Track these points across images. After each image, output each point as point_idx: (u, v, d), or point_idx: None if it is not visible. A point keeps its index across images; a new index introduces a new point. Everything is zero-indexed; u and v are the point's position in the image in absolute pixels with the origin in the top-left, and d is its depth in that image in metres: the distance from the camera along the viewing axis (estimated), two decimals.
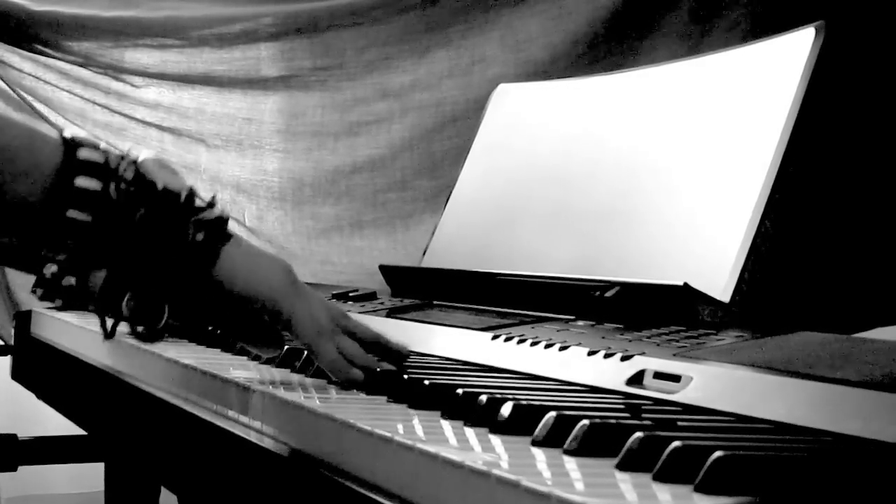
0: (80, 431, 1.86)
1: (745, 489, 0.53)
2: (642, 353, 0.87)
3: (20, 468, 2.02)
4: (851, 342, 0.87)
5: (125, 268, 0.85)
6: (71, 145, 0.83)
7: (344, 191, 2.16)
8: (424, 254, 1.51)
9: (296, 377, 0.97)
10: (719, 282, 1.04)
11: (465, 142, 1.57)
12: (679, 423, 0.69)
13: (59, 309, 1.16)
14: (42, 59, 2.11)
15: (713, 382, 0.78)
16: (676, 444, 0.57)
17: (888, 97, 1.37)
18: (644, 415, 0.72)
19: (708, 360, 0.83)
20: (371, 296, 1.42)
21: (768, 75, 1.13)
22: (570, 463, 0.62)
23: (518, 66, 2.06)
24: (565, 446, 0.64)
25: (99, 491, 2.06)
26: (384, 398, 0.85)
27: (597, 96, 1.37)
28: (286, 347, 1.00)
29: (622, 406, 0.77)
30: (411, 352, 0.97)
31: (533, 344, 0.98)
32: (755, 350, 0.85)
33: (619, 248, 1.20)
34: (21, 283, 2.10)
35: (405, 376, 0.87)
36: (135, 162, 0.85)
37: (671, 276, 1.05)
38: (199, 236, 0.85)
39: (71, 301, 1.16)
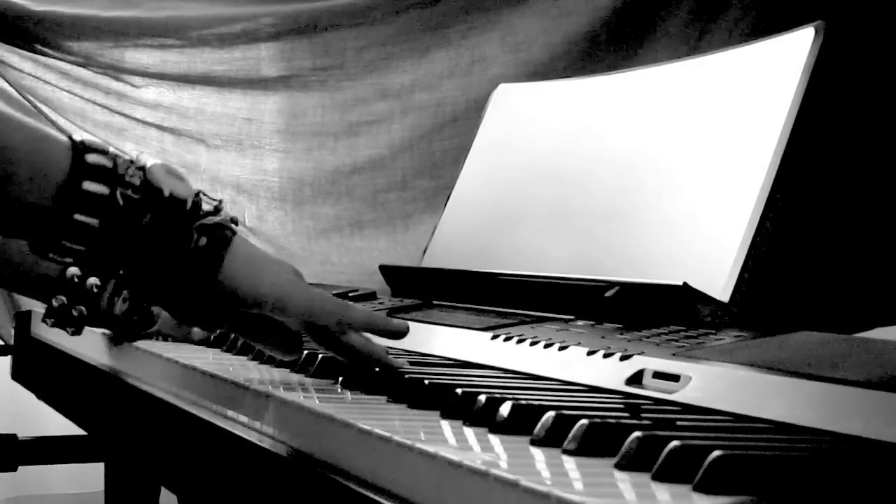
0: (80, 431, 1.86)
1: (744, 489, 0.53)
2: (642, 353, 0.87)
3: (20, 468, 2.02)
4: (851, 342, 0.87)
5: (130, 273, 0.85)
6: (80, 149, 0.83)
7: (344, 191, 2.16)
8: (424, 254, 1.51)
9: (296, 377, 0.97)
10: (719, 282, 1.04)
11: (465, 142, 1.57)
12: (678, 423, 0.69)
13: (73, 334, 1.17)
14: (42, 59, 2.11)
15: (712, 382, 0.78)
16: (675, 443, 0.57)
17: (888, 97, 1.37)
18: (643, 414, 0.72)
19: (707, 359, 0.83)
20: (371, 296, 1.42)
21: (768, 75, 1.13)
22: (569, 462, 0.62)
23: (518, 66, 2.07)
24: (564, 446, 0.64)
25: (99, 491, 2.06)
26: (384, 398, 0.85)
27: (597, 96, 1.37)
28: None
29: (621, 406, 0.77)
30: (406, 351, 0.97)
31: (532, 344, 0.98)
32: (755, 350, 0.85)
33: (618, 248, 1.20)
34: None
35: (405, 376, 0.87)
36: (142, 168, 0.85)
37: (671, 276, 1.05)
38: (203, 241, 0.85)
39: (80, 329, 1.17)
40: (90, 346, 1.39)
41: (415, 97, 2.14)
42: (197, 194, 0.87)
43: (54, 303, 1.16)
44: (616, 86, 1.35)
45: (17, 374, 1.90)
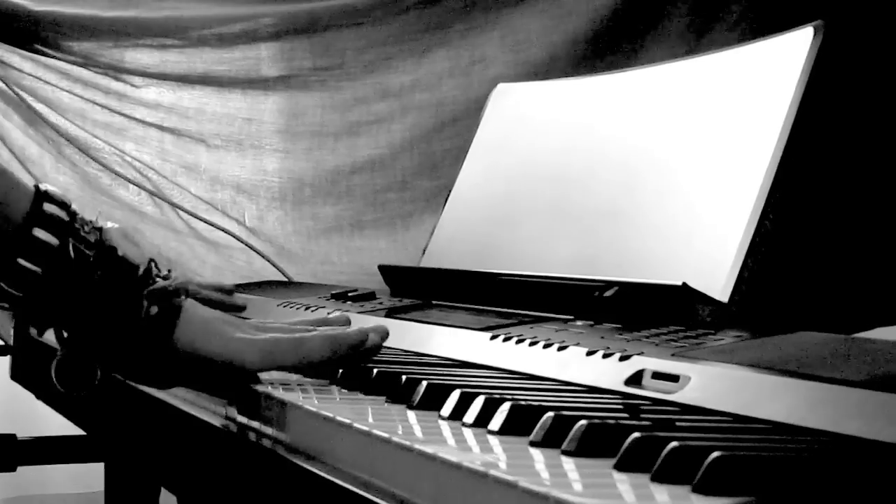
0: (79, 431, 1.86)
1: (744, 489, 0.53)
2: (641, 353, 0.87)
3: (20, 468, 2.02)
4: (851, 342, 0.87)
5: (70, 328, 0.86)
6: (40, 197, 0.84)
7: (344, 191, 2.16)
8: (424, 254, 1.51)
9: (294, 377, 0.97)
10: (718, 282, 1.04)
11: (465, 142, 1.57)
12: (677, 424, 0.69)
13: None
14: (42, 59, 2.11)
15: (712, 382, 0.78)
16: (674, 444, 0.57)
17: (887, 97, 1.37)
18: (642, 415, 0.72)
19: (707, 360, 0.82)
20: (370, 296, 1.42)
21: (767, 75, 1.13)
22: (569, 463, 0.62)
23: (518, 66, 2.07)
24: (563, 447, 0.64)
25: (99, 491, 2.06)
26: (383, 398, 0.85)
27: (597, 96, 1.37)
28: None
29: (620, 406, 0.77)
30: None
31: (532, 344, 0.98)
32: (754, 350, 0.85)
33: (618, 248, 1.19)
34: None
35: (404, 377, 0.87)
36: (100, 228, 0.86)
37: (670, 276, 1.04)
38: (154, 310, 0.86)
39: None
40: None
41: (415, 97, 2.14)
42: (149, 262, 0.88)
43: None
44: (616, 86, 1.35)
45: (17, 374, 1.90)
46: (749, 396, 0.75)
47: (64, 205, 0.85)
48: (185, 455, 1.07)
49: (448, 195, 1.53)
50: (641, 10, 2.00)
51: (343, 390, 0.91)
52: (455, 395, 0.77)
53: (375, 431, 0.69)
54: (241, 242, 2.11)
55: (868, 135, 1.37)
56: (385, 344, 0.98)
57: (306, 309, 1.38)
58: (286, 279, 2.04)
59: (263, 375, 0.98)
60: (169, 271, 0.90)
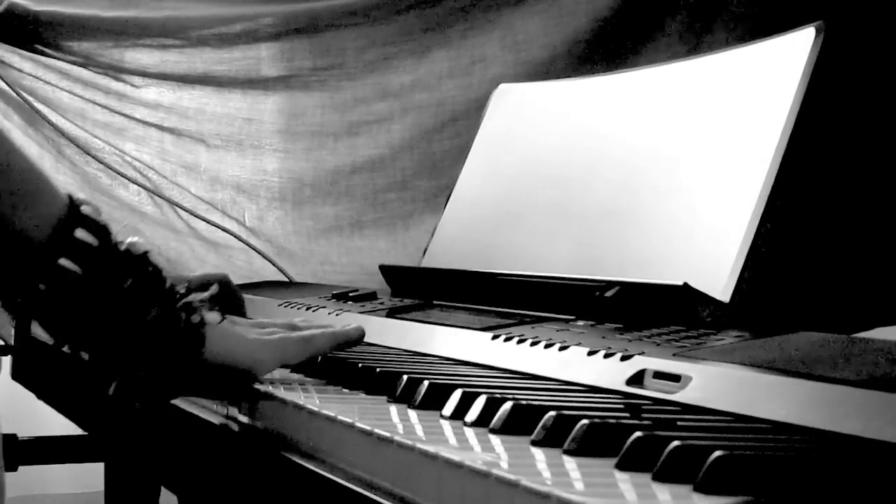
0: (80, 431, 1.86)
1: (745, 489, 0.53)
2: (642, 353, 0.87)
3: (20, 468, 2.02)
4: (851, 342, 0.87)
5: (105, 336, 0.85)
6: (76, 202, 0.84)
7: (344, 191, 2.16)
8: (424, 254, 1.51)
9: (296, 377, 0.97)
10: (719, 282, 1.04)
11: (465, 142, 1.57)
12: (679, 423, 0.69)
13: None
14: (42, 59, 2.11)
15: (713, 382, 0.78)
16: (676, 443, 0.57)
17: (888, 97, 1.37)
18: (644, 415, 0.72)
19: (708, 360, 0.83)
20: (371, 296, 1.42)
21: (768, 75, 1.13)
22: (570, 463, 0.62)
23: (518, 66, 2.07)
24: (565, 446, 0.64)
25: (99, 491, 2.06)
26: (384, 398, 0.85)
27: (597, 96, 1.37)
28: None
29: (622, 406, 0.77)
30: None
31: (533, 344, 0.98)
32: (755, 350, 0.85)
33: (619, 248, 1.20)
34: None
35: (406, 376, 0.87)
36: (129, 237, 0.86)
37: (671, 276, 1.05)
38: (195, 318, 0.87)
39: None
40: None
41: (415, 97, 2.14)
42: (174, 278, 0.89)
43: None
44: (616, 86, 1.35)
45: (17, 374, 1.90)
46: (750, 396, 0.75)
47: (98, 211, 0.86)
48: (185, 455, 1.07)
49: (449, 195, 1.53)
50: (642, 10, 2.00)
51: (344, 390, 0.91)
52: (457, 395, 0.77)
53: (377, 430, 0.69)
54: (242, 242, 2.11)
55: (869, 135, 1.37)
56: (386, 344, 0.99)
57: (307, 309, 1.38)
58: (286, 279, 2.04)
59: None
60: (188, 283, 0.90)
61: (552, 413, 0.67)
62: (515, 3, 2.09)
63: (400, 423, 0.75)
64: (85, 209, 0.84)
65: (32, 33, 2.09)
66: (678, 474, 0.56)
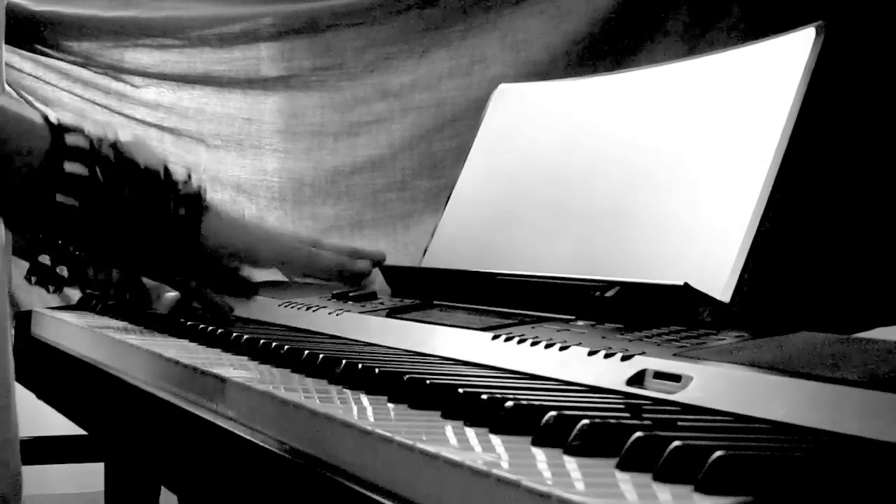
0: (80, 431, 1.86)
1: (746, 489, 0.53)
2: (642, 353, 0.87)
3: (21, 468, 2.02)
4: (851, 342, 0.87)
5: (113, 246, 0.87)
6: (58, 130, 0.84)
7: (344, 191, 2.16)
8: (424, 254, 1.51)
9: (296, 377, 0.97)
10: (719, 282, 1.04)
11: (465, 142, 1.57)
12: (679, 423, 0.69)
13: (53, 292, 1.20)
14: (42, 59, 2.11)
15: (713, 382, 0.78)
16: (677, 443, 0.57)
17: (888, 97, 1.37)
18: (644, 415, 0.72)
19: (708, 360, 0.83)
20: (372, 296, 1.42)
21: (768, 76, 1.13)
22: (571, 463, 0.62)
23: (518, 66, 2.07)
24: (566, 446, 0.64)
25: (99, 491, 2.06)
26: (384, 398, 0.85)
27: (597, 96, 1.37)
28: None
29: (622, 406, 0.77)
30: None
31: (533, 344, 0.98)
32: (755, 350, 0.85)
33: (619, 248, 1.20)
34: (20, 283, 2.10)
35: (405, 377, 0.87)
36: (114, 144, 0.87)
37: (671, 276, 1.05)
38: (182, 211, 0.88)
39: (61, 289, 1.18)
40: (90, 346, 1.39)
41: (415, 97, 2.14)
42: (166, 165, 0.90)
43: (40, 259, 1.18)
44: (616, 86, 1.35)
45: (17, 374, 1.90)
46: (751, 396, 0.75)
47: (80, 131, 0.86)
48: (185, 454, 1.07)
49: (449, 195, 1.53)
50: (642, 10, 2.00)
51: (344, 390, 0.91)
52: (458, 395, 0.77)
53: (377, 430, 0.69)
54: None
55: (869, 135, 1.37)
56: (387, 344, 0.99)
57: (307, 309, 1.38)
58: (286, 279, 2.04)
59: (265, 375, 0.98)
60: (189, 175, 0.92)
61: (552, 413, 0.67)
62: (515, 3, 2.09)
63: (400, 422, 0.75)
64: (69, 139, 0.84)
65: (32, 33, 2.09)
66: (679, 474, 0.56)
